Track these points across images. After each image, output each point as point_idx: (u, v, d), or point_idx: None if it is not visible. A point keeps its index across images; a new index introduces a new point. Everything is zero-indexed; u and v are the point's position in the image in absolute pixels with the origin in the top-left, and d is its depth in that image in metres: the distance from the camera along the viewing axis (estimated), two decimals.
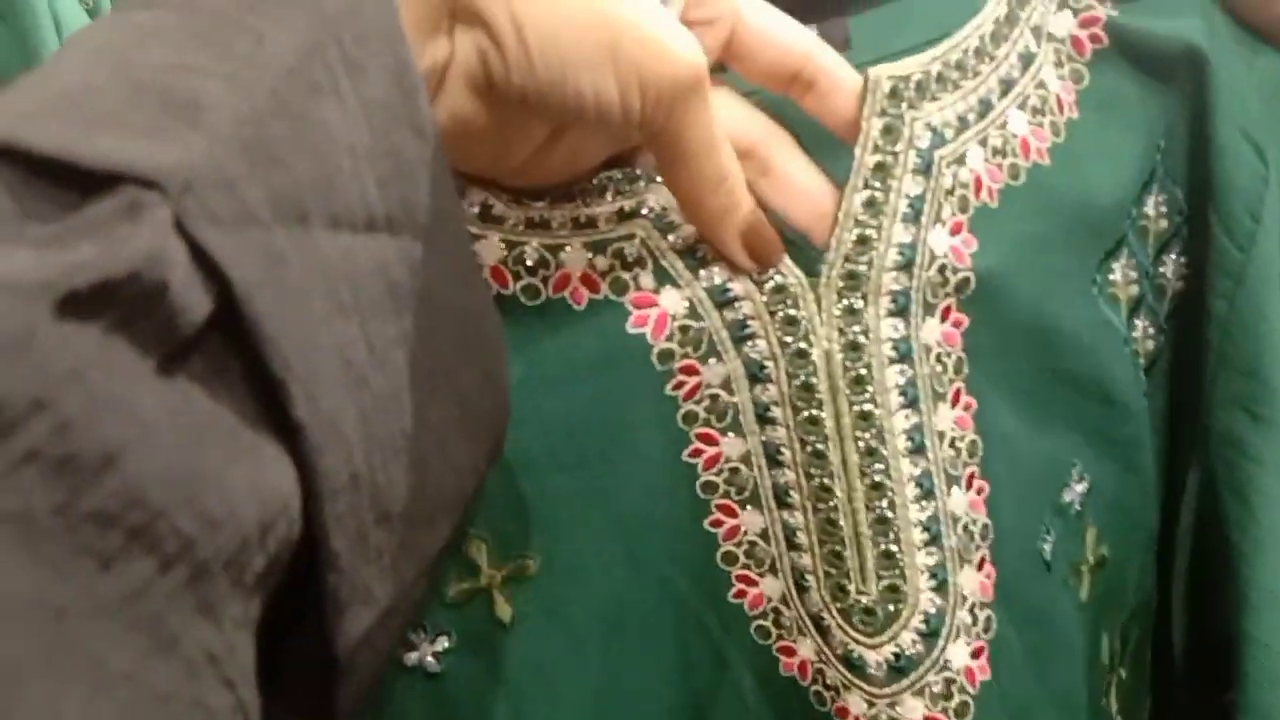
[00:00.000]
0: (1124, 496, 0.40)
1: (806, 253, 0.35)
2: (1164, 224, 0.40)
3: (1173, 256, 0.41)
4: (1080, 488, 0.39)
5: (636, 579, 0.35)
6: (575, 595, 0.35)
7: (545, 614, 0.35)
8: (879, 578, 0.34)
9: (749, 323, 0.34)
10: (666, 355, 0.34)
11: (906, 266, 0.35)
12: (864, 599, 0.34)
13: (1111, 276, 0.40)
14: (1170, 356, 0.41)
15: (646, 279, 0.34)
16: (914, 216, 0.35)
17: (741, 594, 0.36)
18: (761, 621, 0.36)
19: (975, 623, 0.35)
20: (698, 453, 0.35)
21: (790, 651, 0.36)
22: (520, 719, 0.35)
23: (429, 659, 0.35)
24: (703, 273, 0.34)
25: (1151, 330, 0.41)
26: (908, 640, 0.35)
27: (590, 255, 0.34)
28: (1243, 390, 0.38)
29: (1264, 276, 0.38)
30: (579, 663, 0.35)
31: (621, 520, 0.35)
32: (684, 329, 0.34)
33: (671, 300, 0.34)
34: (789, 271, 0.34)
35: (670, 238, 0.34)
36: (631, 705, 0.36)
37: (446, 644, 0.35)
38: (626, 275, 0.34)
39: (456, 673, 0.35)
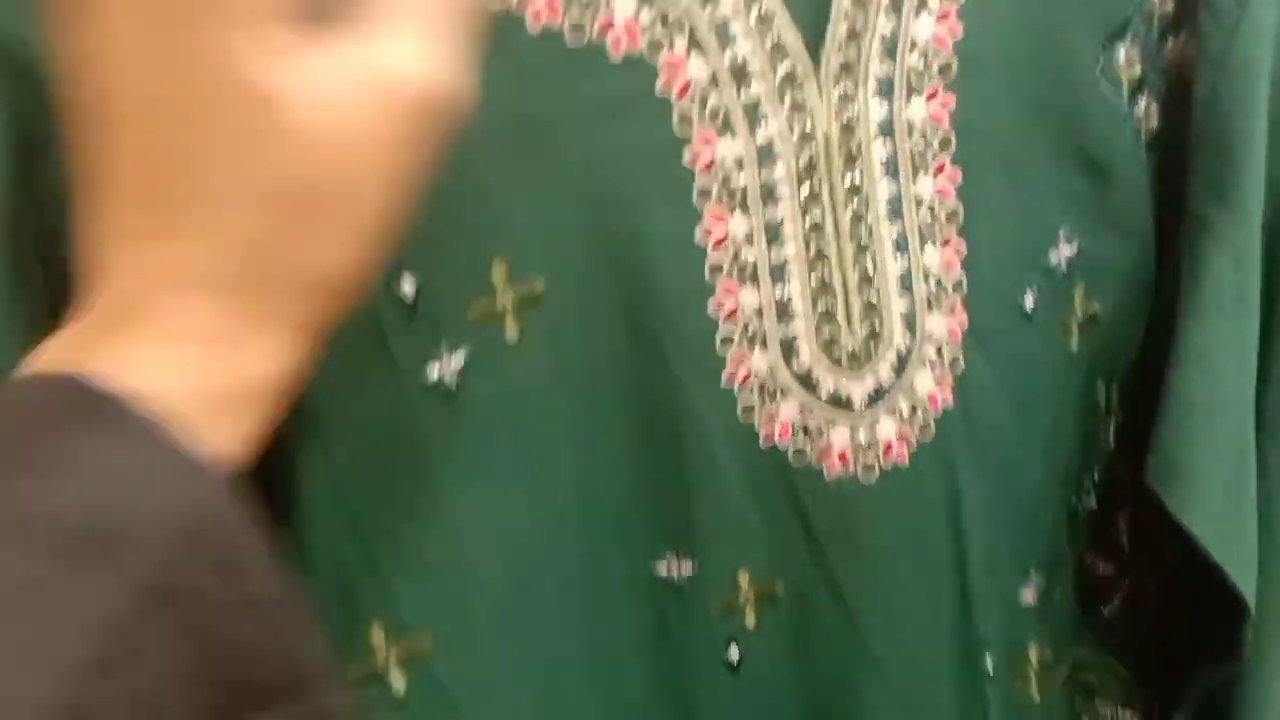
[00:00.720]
0: (1117, 260, 0.45)
1: (811, 42, 0.40)
2: (1169, 7, 0.43)
3: (1176, 40, 0.43)
4: (1067, 250, 0.44)
5: (633, 342, 0.39)
6: (574, 326, 0.39)
7: (546, 342, 0.39)
8: (862, 324, 0.42)
9: (762, 103, 0.40)
10: (685, 123, 0.39)
11: (890, 53, 0.40)
12: (850, 344, 0.42)
13: (1116, 58, 0.44)
14: (1167, 139, 0.44)
15: (680, 43, 0.38)
16: (895, 7, 0.40)
17: (733, 375, 0.41)
18: (747, 400, 0.41)
19: (940, 359, 0.42)
20: (707, 233, 0.40)
21: (772, 419, 0.41)
22: (523, 438, 0.39)
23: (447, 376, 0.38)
24: (728, 50, 0.39)
25: (1155, 109, 0.44)
26: (885, 372, 0.42)
27: (637, 6, 0.37)
28: (1214, 172, 0.41)
29: (1246, 63, 0.40)
30: (568, 407, 0.39)
31: (628, 272, 0.39)
32: (704, 100, 0.39)
33: (698, 68, 0.38)
34: (797, 58, 0.40)
35: (708, 8, 0.38)
36: (611, 475, 0.41)
37: (463, 360, 0.38)
38: (663, 35, 0.38)
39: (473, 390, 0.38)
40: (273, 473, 0.35)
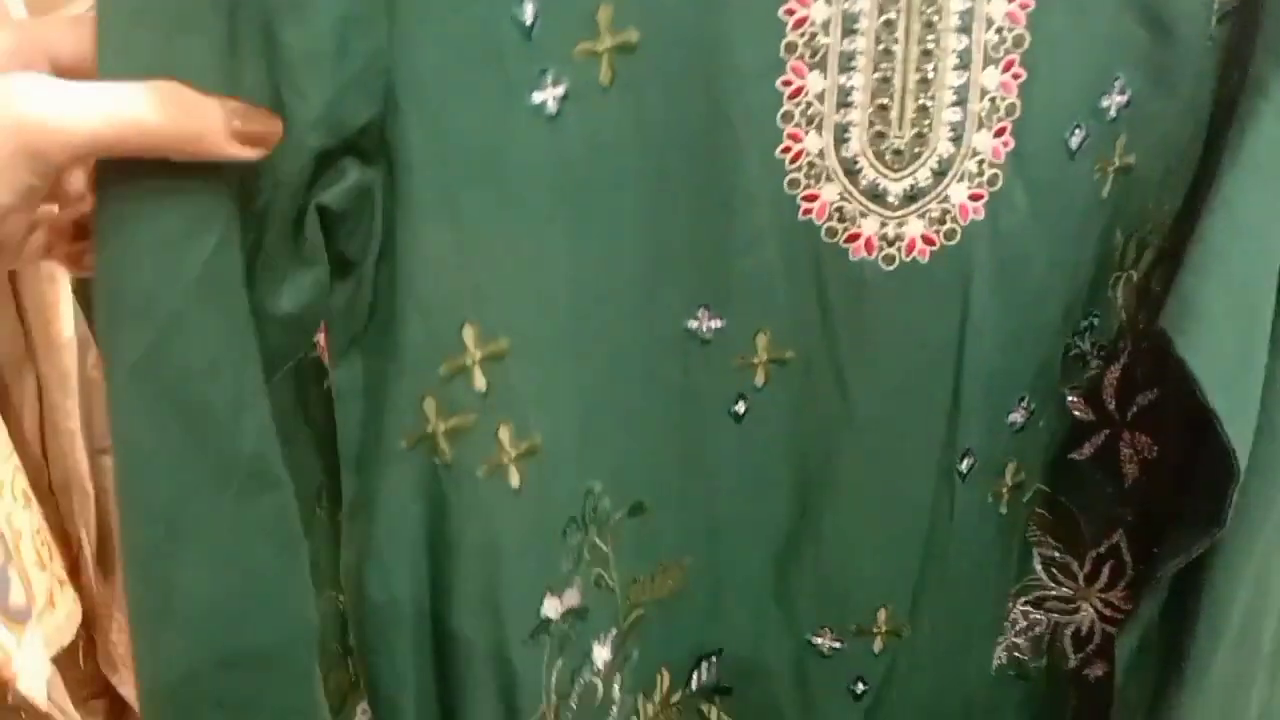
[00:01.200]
0: (1163, 117, 0.48)
1: None
2: None
3: None
4: (1120, 98, 0.47)
5: (706, 106, 0.43)
6: (658, 81, 0.43)
7: (633, 90, 0.42)
8: (912, 125, 0.45)
9: None
10: None
11: None
12: (898, 142, 0.46)
13: None
14: (1244, 15, 0.46)
15: None
16: None
17: (786, 149, 0.45)
18: (795, 174, 0.46)
19: (981, 174, 0.46)
20: (789, 13, 0.43)
21: (813, 198, 0.46)
22: (601, 175, 0.43)
23: (550, 101, 0.41)
24: None
25: None
26: (923, 175, 0.46)
27: None
28: (1276, 39, 0.44)
29: None
30: (641, 157, 0.44)
31: (712, 41, 0.42)
32: None
33: None
34: None
35: None
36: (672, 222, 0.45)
37: (564, 90, 0.41)
38: None
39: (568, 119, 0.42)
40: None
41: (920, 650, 0.55)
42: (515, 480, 0.46)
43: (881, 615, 0.55)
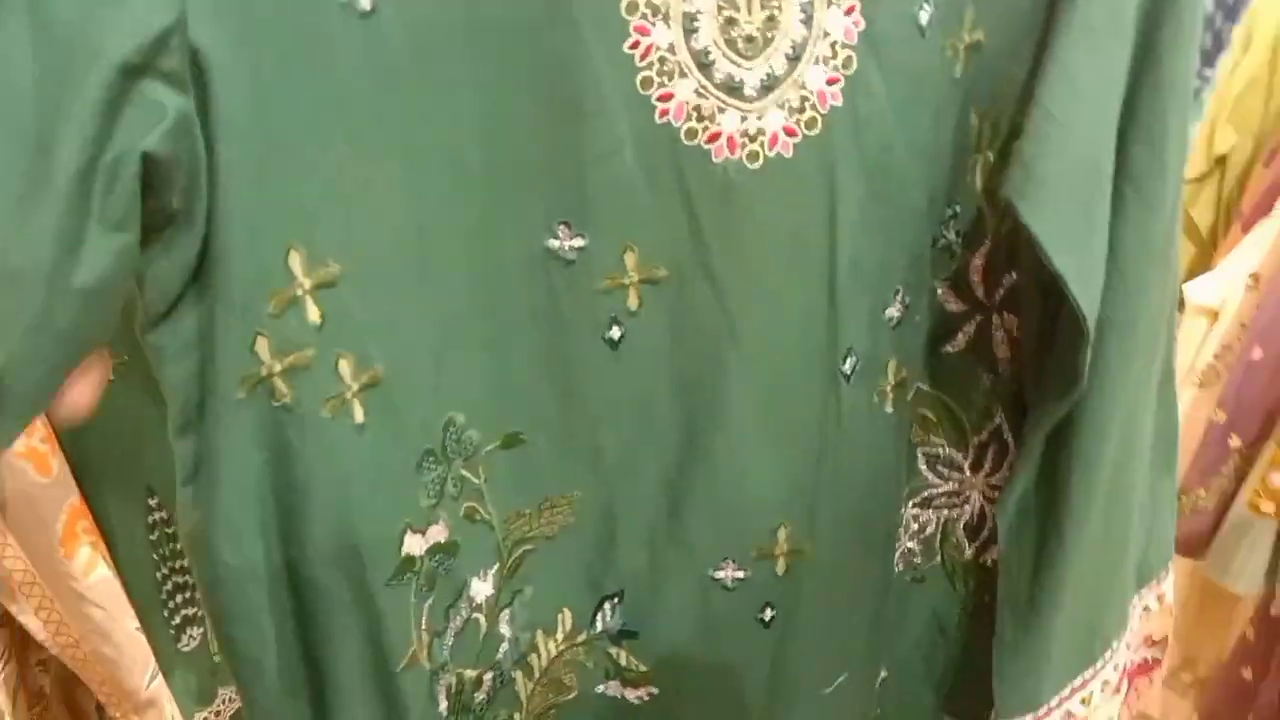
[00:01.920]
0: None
1: None
2: None
3: None
4: None
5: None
6: None
7: None
8: (761, 8, 0.43)
9: None
10: None
11: None
12: (748, 28, 0.43)
13: None
14: None
15: None
16: None
17: (635, 45, 0.42)
18: (646, 72, 0.42)
19: (835, 56, 0.44)
20: None
21: (668, 97, 0.43)
22: (432, 76, 0.40)
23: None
24: None
25: None
26: (778, 62, 0.44)
27: None
28: None
29: None
30: (476, 56, 0.40)
31: None
32: None
33: None
34: None
35: None
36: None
37: None
38: None
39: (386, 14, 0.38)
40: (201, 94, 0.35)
41: (823, 566, 0.54)
42: (359, 415, 0.42)
43: (782, 535, 0.53)
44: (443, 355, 0.44)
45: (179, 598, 0.96)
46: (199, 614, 1.02)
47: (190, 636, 1.00)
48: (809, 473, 0.52)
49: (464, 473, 0.47)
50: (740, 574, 0.53)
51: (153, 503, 0.85)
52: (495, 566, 0.50)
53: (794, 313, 0.48)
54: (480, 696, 0.53)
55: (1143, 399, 0.55)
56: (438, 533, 0.46)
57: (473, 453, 0.47)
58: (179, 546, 0.96)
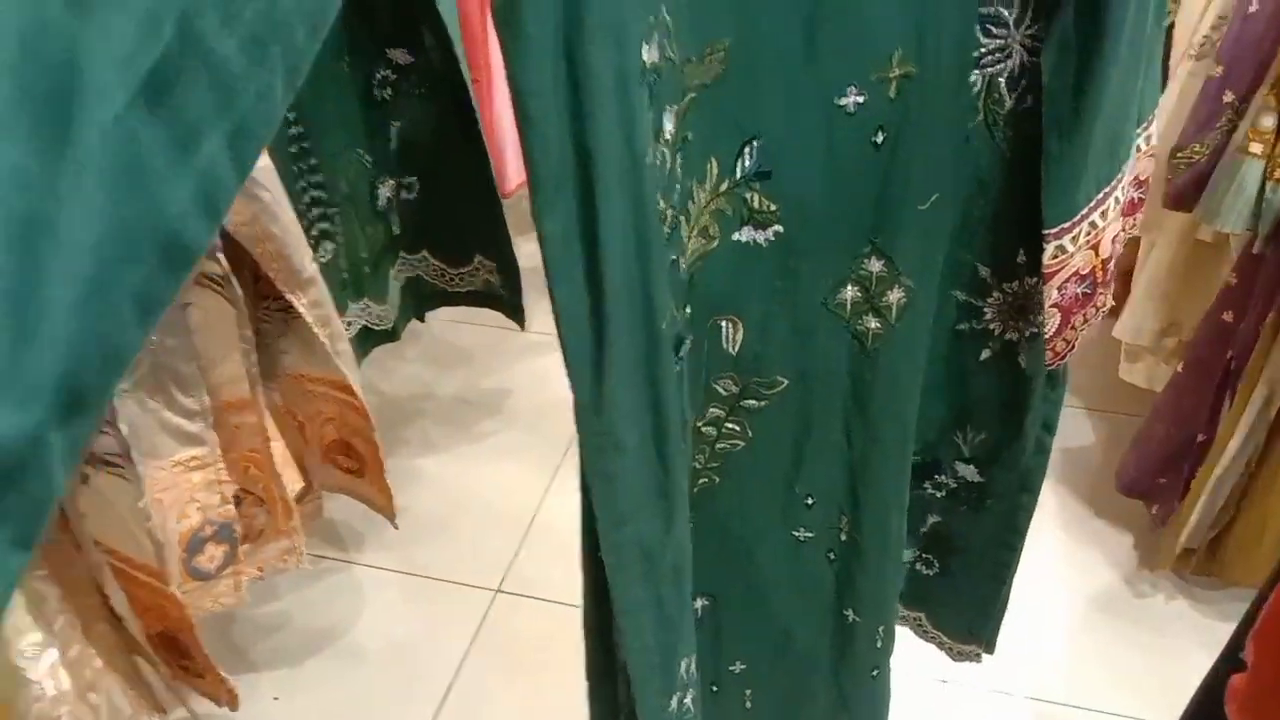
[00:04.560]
0: None
1: None
2: None
3: None
4: None
5: None
6: None
7: None
8: None
9: None
10: None
11: None
12: None
13: None
14: None
15: None
16: None
17: None
18: None
19: None
20: None
21: None
22: None
23: None
24: None
25: None
26: None
27: None
28: None
29: None
30: None
31: None
32: None
33: None
34: None
35: None
36: None
37: None
38: None
39: None
40: None
41: (926, 85, 0.64)
42: None
43: (895, 57, 0.63)
44: None
45: (315, 211, 1.06)
46: (333, 229, 1.12)
47: (324, 250, 1.10)
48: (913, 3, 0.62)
49: (666, 15, 0.55)
50: (860, 98, 0.64)
51: (290, 117, 0.94)
52: (675, 106, 0.59)
53: None
54: (666, 230, 0.62)
55: None
56: (653, 53, 0.54)
57: None
58: (316, 162, 1.04)
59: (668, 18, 0.56)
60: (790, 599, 0.87)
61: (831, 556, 0.85)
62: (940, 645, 1.01)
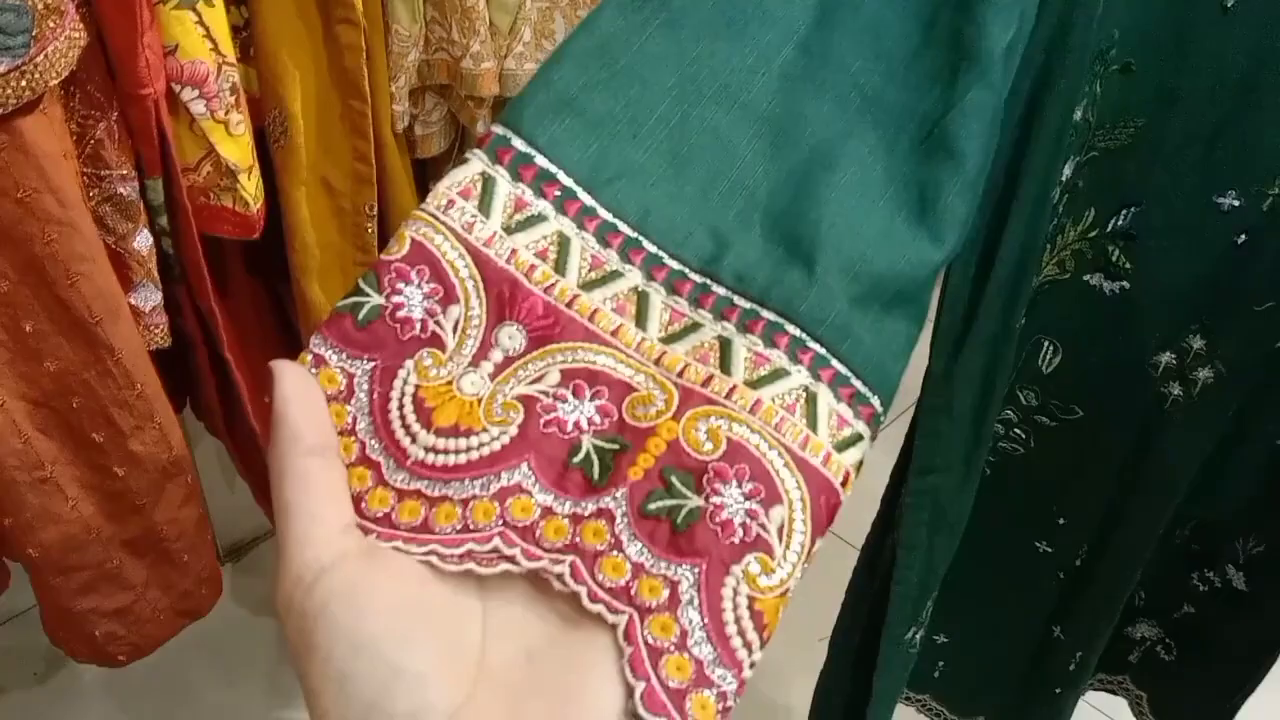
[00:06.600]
0: None
1: None
2: None
3: None
4: None
5: None
6: None
7: None
8: None
9: None
10: None
11: None
12: None
13: None
14: None
15: None
16: None
17: None
18: None
19: None
20: None
21: None
22: None
23: None
24: None
25: None
26: None
27: None
28: None
29: None
30: None
31: None
32: None
33: None
34: None
35: None
36: None
37: None
38: None
39: None
40: None
41: None
42: None
43: (1279, 180, 0.74)
44: None
45: None
46: None
47: None
48: None
49: (1098, 88, 0.70)
50: (1236, 202, 0.75)
51: None
52: (1078, 157, 0.74)
53: None
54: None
55: None
56: (1078, 113, 0.69)
57: (1101, 61, 0.69)
58: None
59: (1098, 89, 0.70)
60: (1009, 597, 1.00)
61: (1061, 575, 0.97)
62: None
